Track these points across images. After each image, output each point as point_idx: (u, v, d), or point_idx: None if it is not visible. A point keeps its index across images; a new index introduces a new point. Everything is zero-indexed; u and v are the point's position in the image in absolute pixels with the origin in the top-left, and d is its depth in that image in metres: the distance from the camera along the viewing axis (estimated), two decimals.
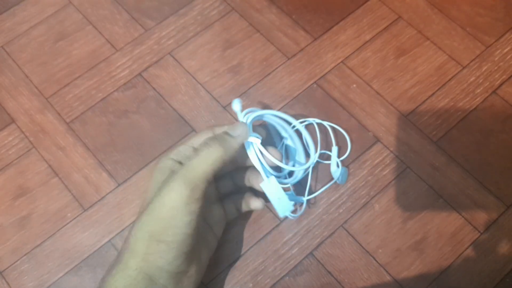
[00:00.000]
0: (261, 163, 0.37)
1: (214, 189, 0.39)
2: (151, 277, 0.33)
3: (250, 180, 0.40)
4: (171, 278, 0.33)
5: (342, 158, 0.45)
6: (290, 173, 0.43)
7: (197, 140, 0.38)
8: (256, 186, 0.39)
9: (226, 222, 0.41)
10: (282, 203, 0.38)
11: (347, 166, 0.45)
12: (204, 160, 0.33)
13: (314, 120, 0.46)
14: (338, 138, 0.46)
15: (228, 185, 0.41)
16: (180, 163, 0.36)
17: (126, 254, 0.33)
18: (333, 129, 0.46)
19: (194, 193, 0.32)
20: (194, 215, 0.32)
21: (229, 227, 0.42)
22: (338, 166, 0.44)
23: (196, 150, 0.34)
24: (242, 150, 0.37)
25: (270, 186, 0.38)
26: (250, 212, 0.43)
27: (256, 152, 0.37)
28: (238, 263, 0.42)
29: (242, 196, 0.40)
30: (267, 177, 0.38)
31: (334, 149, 0.45)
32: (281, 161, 0.38)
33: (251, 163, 0.38)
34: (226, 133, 0.35)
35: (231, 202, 0.40)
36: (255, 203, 0.40)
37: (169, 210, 0.32)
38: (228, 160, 0.34)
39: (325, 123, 0.46)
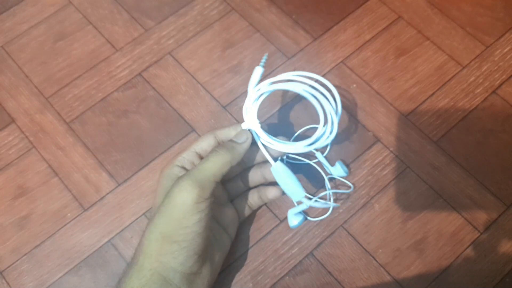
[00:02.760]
0: (266, 148, 0.39)
1: (224, 191, 0.41)
2: (165, 278, 0.34)
3: (262, 173, 0.41)
4: (184, 279, 0.34)
5: (325, 154, 0.45)
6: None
7: (199, 145, 0.39)
8: (268, 177, 0.40)
9: (239, 222, 0.42)
10: (291, 188, 0.38)
11: (346, 165, 0.45)
12: (213, 164, 0.35)
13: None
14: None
15: (238, 186, 0.42)
16: (185, 168, 0.38)
17: (140, 256, 0.34)
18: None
19: (203, 192, 0.34)
20: (203, 213, 0.34)
21: None
22: (331, 164, 0.44)
23: (207, 155, 0.36)
24: (248, 152, 0.39)
25: (278, 170, 0.39)
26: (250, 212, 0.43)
27: (260, 137, 0.39)
28: (238, 263, 0.42)
29: (253, 193, 0.42)
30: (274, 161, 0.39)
31: (318, 154, 0.44)
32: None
33: (259, 159, 0.41)
34: (232, 141, 0.37)
35: (243, 201, 0.41)
36: (272, 192, 0.41)
37: (180, 209, 0.33)
38: (235, 164, 0.36)
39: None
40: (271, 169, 0.39)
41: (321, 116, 0.38)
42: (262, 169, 0.41)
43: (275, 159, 0.39)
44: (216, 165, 0.35)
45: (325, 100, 0.38)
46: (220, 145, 0.37)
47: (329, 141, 0.39)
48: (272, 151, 0.40)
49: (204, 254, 0.35)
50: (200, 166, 0.35)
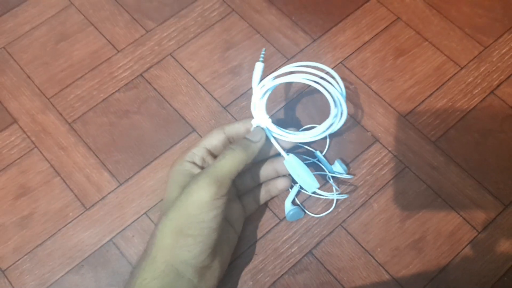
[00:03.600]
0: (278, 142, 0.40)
1: (233, 187, 0.41)
2: (178, 270, 0.34)
3: (275, 167, 0.42)
4: (196, 272, 0.35)
5: (324, 153, 0.45)
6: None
7: (208, 141, 0.40)
8: (281, 169, 0.41)
9: (245, 218, 0.42)
10: (305, 179, 0.39)
11: (346, 164, 0.45)
12: (230, 162, 0.36)
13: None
14: (323, 142, 0.47)
15: (247, 182, 0.42)
16: (195, 163, 0.39)
17: (153, 249, 0.35)
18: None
19: (220, 190, 0.35)
20: (219, 210, 0.35)
21: None
22: (330, 163, 0.45)
23: (222, 152, 0.37)
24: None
25: (292, 162, 0.39)
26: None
27: (272, 131, 0.40)
28: (238, 261, 0.42)
29: (260, 188, 0.42)
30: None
31: (317, 153, 0.45)
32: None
33: (271, 154, 0.42)
34: (246, 139, 0.38)
35: (250, 197, 0.42)
36: (281, 182, 0.42)
37: (197, 205, 0.34)
38: (249, 162, 0.37)
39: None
40: (284, 162, 0.40)
41: (329, 100, 0.39)
42: (274, 163, 0.41)
43: (286, 152, 0.40)
44: (233, 163, 0.36)
45: (328, 84, 0.39)
46: (235, 142, 0.38)
47: (342, 122, 0.40)
48: (282, 143, 0.40)
49: (216, 248, 0.36)
50: (217, 164, 0.36)
